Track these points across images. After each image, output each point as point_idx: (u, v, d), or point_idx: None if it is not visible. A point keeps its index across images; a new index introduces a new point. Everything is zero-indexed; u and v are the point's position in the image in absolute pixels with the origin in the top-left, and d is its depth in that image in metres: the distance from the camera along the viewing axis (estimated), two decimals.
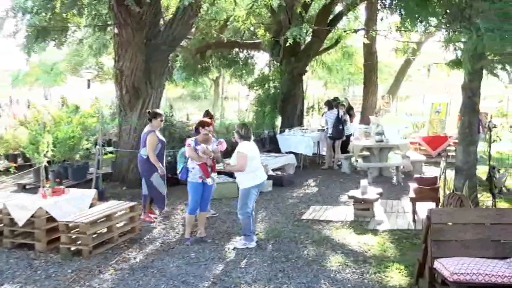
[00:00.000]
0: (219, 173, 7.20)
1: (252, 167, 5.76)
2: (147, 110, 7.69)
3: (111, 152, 10.77)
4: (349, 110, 13.08)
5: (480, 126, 9.37)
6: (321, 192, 9.05)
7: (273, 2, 11.79)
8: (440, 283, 4.07)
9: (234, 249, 5.79)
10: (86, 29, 12.36)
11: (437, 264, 4.05)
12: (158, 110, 7.43)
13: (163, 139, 7.16)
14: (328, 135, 11.57)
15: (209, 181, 6.00)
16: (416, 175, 7.44)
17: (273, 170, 9.75)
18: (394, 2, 7.57)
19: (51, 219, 5.74)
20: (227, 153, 6.98)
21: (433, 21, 6.74)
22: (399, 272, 5.03)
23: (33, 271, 5.13)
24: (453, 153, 10.64)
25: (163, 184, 7.03)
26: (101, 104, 16.63)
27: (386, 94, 22.43)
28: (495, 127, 8.91)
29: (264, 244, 5.95)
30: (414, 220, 6.77)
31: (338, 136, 11.48)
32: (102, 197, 7.60)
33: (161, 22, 10.32)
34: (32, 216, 5.66)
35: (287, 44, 10.20)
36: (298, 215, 7.32)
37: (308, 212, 7.47)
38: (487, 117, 11.96)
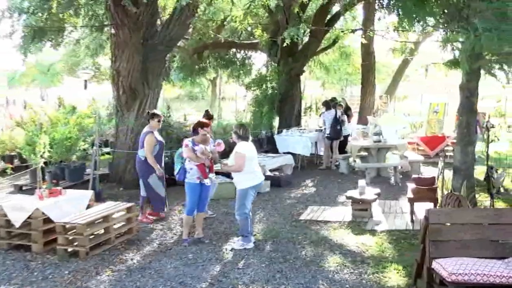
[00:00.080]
0: (216, 173, 7.18)
1: (250, 167, 5.74)
2: (147, 111, 7.67)
3: (108, 153, 10.75)
4: (347, 110, 13.09)
5: (478, 126, 9.38)
6: (319, 192, 9.04)
7: (271, 2, 11.79)
8: (438, 283, 4.07)
9: (231, 250, 5.78)
10: (82, 30, 12.32)
11: (435, 265, 4.05)
12: (156, 111, 7.41)
13: (162, 140, 7.14)
14: (326, 135, 11.58)
15: (207, 181, 5.97)
16: (414, 175, 7.44)
17: (271, 170, 9.73)
18: (391, 2, 7.55)
19: (47, 220, 5.72)
20: (225, 154, 6.96)
21: (431, 21, 6.74)
22: (397, 272, 5.02)
23: (30, 272, 5.10)
24: (451, 153, 10.68)
25: (161, 185, 7.00)
26: (98, 104, 16.63)
27: (384, 94, 22.43)
28: (493, 127, 8.92)
29: (262, 245, 5.94)
30: (412, 221, 6.76)
31: (336, 136, 11.49)
32: (99, 198, 7.56)
33: (158, 22, 10.31)
34: (28, 218, 5.64)
35: (285, 44, 10.17)
36: (296, 216, 7.31)
37: (306, 213, 7.46)
38: (485, 117, 12.00)
